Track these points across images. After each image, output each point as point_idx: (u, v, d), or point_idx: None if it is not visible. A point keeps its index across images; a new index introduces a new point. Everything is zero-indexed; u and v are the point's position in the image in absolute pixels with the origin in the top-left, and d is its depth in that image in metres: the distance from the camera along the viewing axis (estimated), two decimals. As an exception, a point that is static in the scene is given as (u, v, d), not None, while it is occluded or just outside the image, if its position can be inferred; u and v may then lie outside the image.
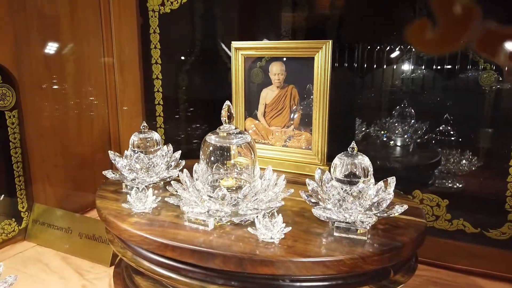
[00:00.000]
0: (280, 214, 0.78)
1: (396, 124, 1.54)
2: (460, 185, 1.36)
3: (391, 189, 0.82)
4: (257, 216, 0.79)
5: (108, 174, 1.06)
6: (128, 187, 1.06)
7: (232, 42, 1.18)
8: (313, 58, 1.08)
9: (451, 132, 1.42)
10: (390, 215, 0.81)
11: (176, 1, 1.47)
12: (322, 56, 1.06)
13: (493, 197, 1.19)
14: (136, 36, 1.59)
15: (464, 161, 1.37)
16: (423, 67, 1.42)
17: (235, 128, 0.91)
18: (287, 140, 1.17)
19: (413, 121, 1.51)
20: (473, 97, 1.34)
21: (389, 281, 0.80)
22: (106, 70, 1.65)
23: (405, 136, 1.53)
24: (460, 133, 1.37)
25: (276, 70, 1.14)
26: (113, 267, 1.20)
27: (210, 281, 0.78)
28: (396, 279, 0.81)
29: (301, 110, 1.15)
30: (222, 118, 0.91)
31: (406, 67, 1.44)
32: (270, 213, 0.78)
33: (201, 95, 1.73)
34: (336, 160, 0.83)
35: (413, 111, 1.51)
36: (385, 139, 1.57)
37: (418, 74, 1.44)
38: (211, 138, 0.92)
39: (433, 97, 1.43)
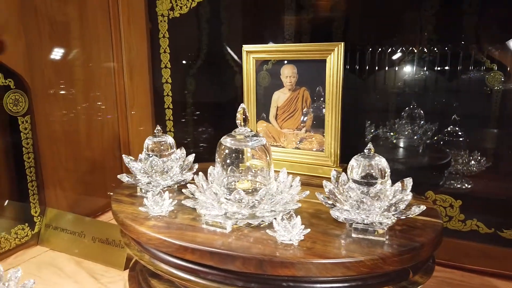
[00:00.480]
0: (299, 216, 0.78)
1: (406, 126, 1.54)
2: (472, 186, 1.36)
3: (408, 190, 0.82)
4: (275, 218, 0.80)
5: (123, 177, 1.07)
6: (143, 190, 1.07)
7: (243, 45, 1.18)
8: (325, 61, 1.08)
9: (459, 133, 1.43)
10: (408, 216, 0.81)
11: (185, 6, 1.48)
12: (335, 59, 1.06)
13: (505, 197, 1.19)
14: (145, 41, 1.60)
15: (476, 162, 1.37)
16: (425, 68, 1.43)
17: (250, 131, 0.92)
18: (299, 142, 1.18)
19: (422, 122, 1.51)
20: (481, 97, 1.34)
21: (408, 282, 0.80)
22: (115, 75, 1.66)
23: (415, 137, 1.53)
24: (469, 133, 1.38)
25: (288, 73, 1.15)
26: (127, 270, 1.20)
27: (229, 283, 0.79)
28: (415, 280, 0.81)
29: (312, 112, 1.15)
30: (237, 121, 0.91)
31: (411, 69, 1.45)
32: (289, 215, 0.78)
33: (210, 98, 1.74)
34: (353, 162, 0.84)
35: (422, 112, 1.51)
36: (394, 140, 1.57)
37: (421, 75, 1.45)
38: (226, 141, 0.92)
39: (440, 98, 1.44)
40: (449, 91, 1.40)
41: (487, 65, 1.30)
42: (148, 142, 1.08)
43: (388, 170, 0.82)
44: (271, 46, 1.18)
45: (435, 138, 1.48)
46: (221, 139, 0.93)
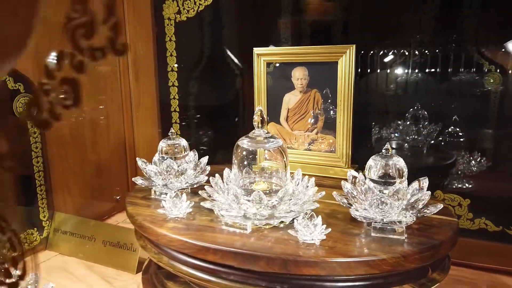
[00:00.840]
0: (320, 216, 0.79)
1: (410, 127, 1.56)
2: (477, 185, 1.38)
3: (425, 189, 0.83)
4: (296, 219, 0.81)
5: (137, 180, 1.07)
6: (157, 193, 1.07)
7: (254, 48, 1.19)
8: (336, 63, 1.10)
9: (460, 134, 1.46)
10: (426, 215, 0.82)
11: (193, 9, 1.49)
12: (347, 61, 1.08)
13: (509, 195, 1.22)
14: (151, 44, 1.61)
15: (477, 162, 1.40)
16: (416, 70, 1.47)
17: (267, 133, 0.93)
18: (310, 143, 1.19)
19: (426, 123, 1.54)
20: (480, 98, 1.38)
21: (427, 279, 0.81)
22: (121, 78, 1.66)
23: (420, 138, 1.56)
24: (469, 134, 1.41)
25: (299, 75, 1.16)
26: (139, 274, 1.20)
27: (252, 283, 0.79)
28: (434, 277, 0.82)
29: (319, 114, 1.17)
30: (254, 123, 0.92)
31: (409, 71, 1.48)
32: (309, 215, 0.80)
33: (215, 101, 1.75)
34: (371, 162, 0.85)
35: (426, 113, 1.54)
36: (399, 141, 1.59)
37: (420, 77, 1.48)
38: (243, 143, 0.93)
39: (439, 99, 1.47)
40: (448, 93, 1.43)
41: (486, 66, 1.33)
42: (162, 144, 1.08)
43: (405, 170, 0.84)
44: (282, 48, 1.19)
45: (439, 138, 1.51)
46: (238, 141, 0.94)
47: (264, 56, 1.19)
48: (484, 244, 1.20)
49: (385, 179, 0.83)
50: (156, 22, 1.59)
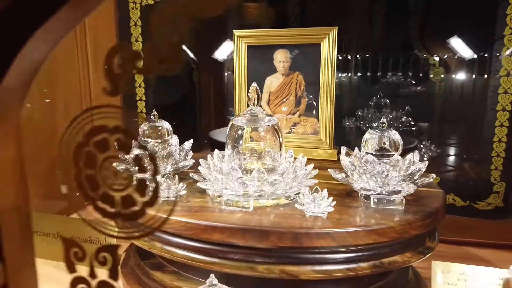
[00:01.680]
0: (326, 189, 0.79)
1: (374, 114, 1.64)
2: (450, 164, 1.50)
3: (417, 161, 0.87)
4: (301, 193, 0.80)
5: (119, 167, 1.00)
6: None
7: (234, 30, 1.17)
8: (319, 45, 1.11)
9: (412, 123, 1.58)
10: (420, 186, 0.86)
11: (161, -8, 1.44)
12: (330, 43, 1.09)
13: (479, 171, 1.32)
14: (114, 30, 1.52)
15: (428, 148, 1.51)
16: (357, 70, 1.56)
17: (263, 111, 0.91)
18: (293, 126, 1.19)
19: (389, 110, 1.63)
20: (427, 91, 1.49)
21: (424, 247, 0.84)
22: (80, 67, 1.55)
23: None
24: (419, 124, 1.52)
25: (281, 58, 1.16)
26: (115, 269, 1.12)
27: (260, 261, 0.77)
28: (429, 246, 0.86)
29: (298, 97, 1.18)
30: (249, 101, 0.90)
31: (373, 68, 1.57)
32: (314, 189, 0.79)
33: (176, 93, 1.70)
34: (367, 135, 0.87)
35: (388, 101, 1.63)
36: (364, 129, 1.66)
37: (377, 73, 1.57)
38: (237, 120, 0.90)
39: (392, 92, 1.58)
40: (399, 86, 1.54)
41: (431, 61, 1.44)
42: (144, 127, 1.02)
43: (401, 143, 0.86)
44: (264, 30, 1.18)
45: (400, 125, 1.60)
46: (233, 120, 0.91)
47: (244, 38, 1.17)
48: (453, 218, 1.28)
49: (382, 152, 0.85)
50: (119, 6, 1.50)
